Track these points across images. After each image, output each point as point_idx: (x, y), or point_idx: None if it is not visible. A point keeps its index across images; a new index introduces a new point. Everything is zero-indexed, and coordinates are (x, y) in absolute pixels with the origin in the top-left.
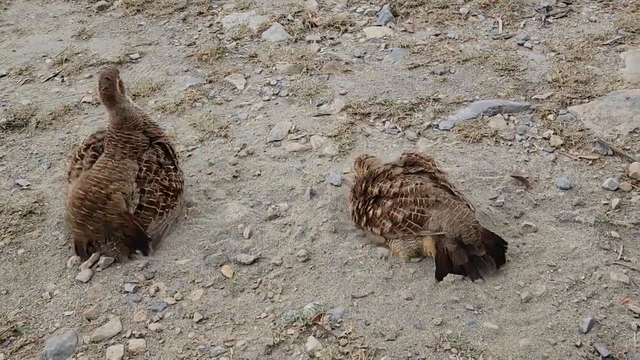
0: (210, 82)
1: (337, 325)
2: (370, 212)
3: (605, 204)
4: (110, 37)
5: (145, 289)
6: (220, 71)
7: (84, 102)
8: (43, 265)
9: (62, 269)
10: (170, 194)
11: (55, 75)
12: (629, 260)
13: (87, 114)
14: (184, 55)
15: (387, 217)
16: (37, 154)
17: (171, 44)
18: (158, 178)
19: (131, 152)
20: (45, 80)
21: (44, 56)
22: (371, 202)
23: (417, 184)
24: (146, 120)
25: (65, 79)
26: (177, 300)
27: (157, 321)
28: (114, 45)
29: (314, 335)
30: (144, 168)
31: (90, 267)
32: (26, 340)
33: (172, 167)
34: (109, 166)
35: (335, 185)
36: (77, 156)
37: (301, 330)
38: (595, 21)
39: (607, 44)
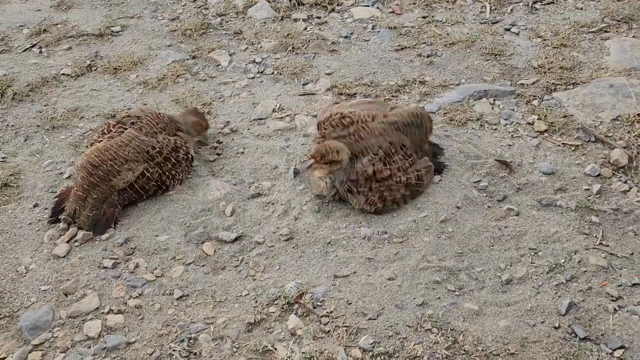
0: (193, 57)
1: (319, 304)
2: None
3: (586, 189)
4: (90, 9)
5: (124, 264)
6: (204, 47)
7: (63, 74)
8: (18, 238)
9: (38, 243)
10: (162, 189)
11: (32, 46)
12: (607, 245)
13: (65, 86)
14: (167, 29)
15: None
16: (13, 126)
17: (154, 17)
18: (162, 170)
19: (159, 130)
20: (23, 51)
21: (21, 26)
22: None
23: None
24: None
25: (43, 50)
26: (157, 276)
27: (136, 297)
28: (95, 17)
29: (295, 314)
30: (154, 147)
31: (67, 242)
32: (0, 315)
33: (175, 162)
34: (131, 144)
35: None
36: (105, 130)
37: (282, 308)
38: (581, 9)
39: (592, 32)
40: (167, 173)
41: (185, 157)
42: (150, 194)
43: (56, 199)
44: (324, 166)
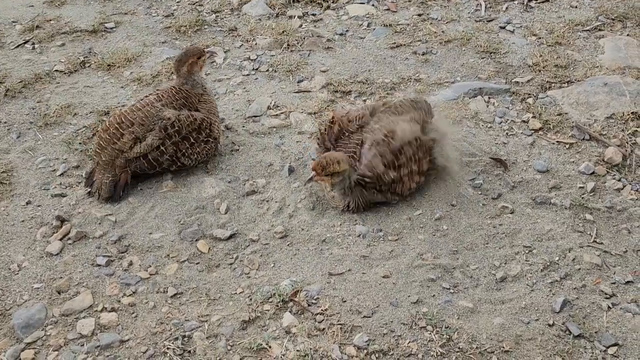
0: None
1: (314, 301)
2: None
3: (580, 187)
4: (84, 5)
5: (118, 262)
6: (198, 44)
7: (56, 70)
8: (11, 236)
9: (31, 240)
10: (176, 164)
11: (25, 42)
12: (601, 243)
13: (59, 82)
14: (161, 26)
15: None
16: (5, 122)
17: (148, 14)
18: (179, 147)
19: (175, 103)
20: (15, 47)
21: (13, 22)
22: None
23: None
24: (202, 99)
25: (36, 46)
26: (151, 274)
27: (130, 295)
28: (88, 13)
29: (290, 312)
30: (173, 126)
31: (60, 240)
32: None
33: (194, 142)
34: (143, 110)
35: None
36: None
37: (277, 306)
38: (576, 7)
39: (587, 30)
40: (183, 150)
41: (207, 138)
42: (164, 167)
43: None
44: (325, 178)
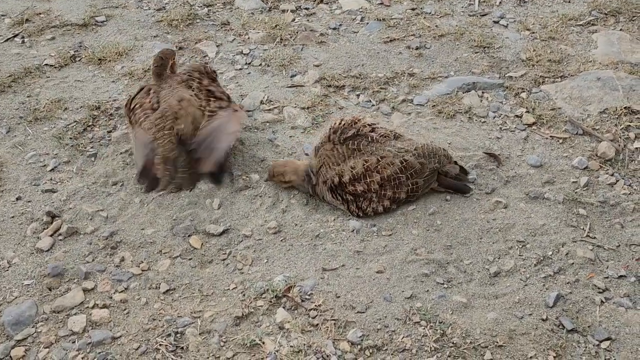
0: (180, 48)
1: (307, 297)
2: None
3: (574, 182)
4: None
5: (109, 258)
6: (190, 38)
7: (46, 64)
8: (1, 232)
9: (21, 236)
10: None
11: (15, 36)
12: (594, 237)
13: (49, 77)
14: (153, 20)
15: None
16: None
17: (139, 7)
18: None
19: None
20: (4, 41)
21: (2, 15)
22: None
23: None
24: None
25: (25, 40)
26: (143, 270)
27: (121, 291)
28: (78, 6)
29: (283, 307)
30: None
31: (51, 236)
32: None
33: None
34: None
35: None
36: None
37: (271, 302)
38: (569, 1)
39: (580, 25)
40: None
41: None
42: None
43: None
44: (279, 183)
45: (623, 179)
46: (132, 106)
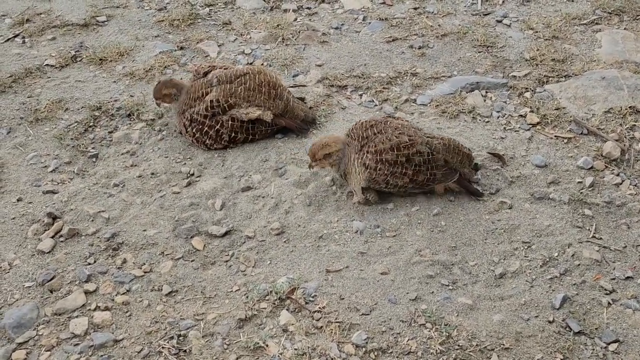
0: (181, 48)
1: (311, 299)
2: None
3: (579, 182)
4: None
5: (111, 260)
6: (192, 38)
7: (47, 65)
8: (2, 234)
9: (22, 238)
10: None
11: (15, 36)
12: (600, 238)
13: (49, 77)
14: (154, 20)
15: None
16: None
17: (141, 7)
18: None
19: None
20: (5, 41)
21: (3, 16)
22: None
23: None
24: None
25: (26, 40)
26: (145, 272)
27: (123, 293)
28: (79, 6)
29: (287, 309)
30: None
31: (52, 237)
32: None
33: None
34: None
35: None
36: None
37: (274, 304)
38: (572, 1)
39: (584, 24)
40: None
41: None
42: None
43: None
44: (320, 162)
45: (629, 179)
46: None
